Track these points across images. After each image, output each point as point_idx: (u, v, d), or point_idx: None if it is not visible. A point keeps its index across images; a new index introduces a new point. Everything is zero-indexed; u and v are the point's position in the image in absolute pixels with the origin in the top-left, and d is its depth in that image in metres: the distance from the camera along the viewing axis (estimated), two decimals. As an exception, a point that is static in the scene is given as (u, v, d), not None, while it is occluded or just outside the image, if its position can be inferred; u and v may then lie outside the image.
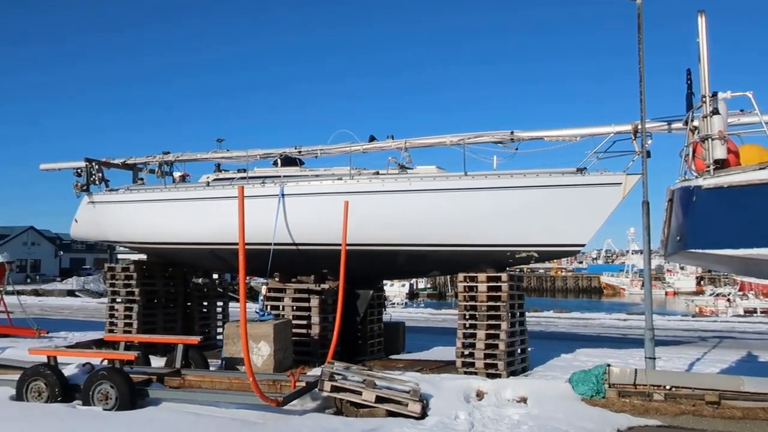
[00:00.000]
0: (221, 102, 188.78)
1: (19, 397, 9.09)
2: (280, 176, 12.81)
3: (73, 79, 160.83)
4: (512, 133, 11.38)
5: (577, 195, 10.46)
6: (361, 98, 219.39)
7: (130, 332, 13.63)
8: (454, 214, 11.10)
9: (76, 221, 15.17)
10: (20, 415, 8.32)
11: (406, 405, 8.35)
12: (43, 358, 9.59)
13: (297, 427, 7.88)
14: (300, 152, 13.22)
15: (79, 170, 14.64)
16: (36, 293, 44.38)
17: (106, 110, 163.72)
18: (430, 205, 11.29)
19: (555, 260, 68.13)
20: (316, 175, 12.91)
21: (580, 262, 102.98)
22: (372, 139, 12.78)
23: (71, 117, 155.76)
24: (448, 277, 53.25)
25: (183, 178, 14.72)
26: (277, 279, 12.73)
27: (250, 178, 13.14)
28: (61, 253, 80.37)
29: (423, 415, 8.33)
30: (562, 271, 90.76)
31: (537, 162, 12.08)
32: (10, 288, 19.82)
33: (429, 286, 69.86)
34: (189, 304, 15.47)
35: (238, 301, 16.41)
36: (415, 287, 66.31)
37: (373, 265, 12.61)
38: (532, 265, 69.55)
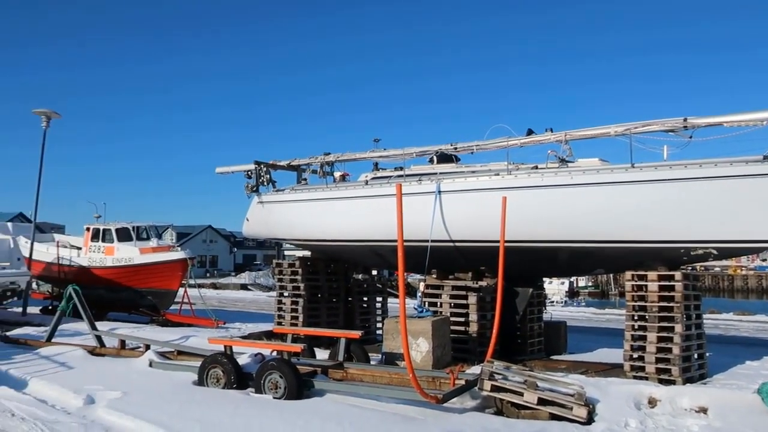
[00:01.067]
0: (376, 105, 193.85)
1: (201, 382, 9.85)
2: (436, 173, 12.82)
3: (250, 91, 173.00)
4: (685, 120, 10.47)
5: (763, 186, 9.41)
6: (517, 89, 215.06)
7: (296, 325, 14.34)
8: (620, 208, 10.44)
9: (247, 220, 16.23)
10: (202, 398, 9.01)
11: (571, 409, 7.98)
12: (221, 348, 10.33)
13: (457, 425, 7.81)
14: (456, 149, 13.13)
15: (249, 172, 15.66)
16: (214, 287, 48.30)
17: (276, 121, 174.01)
18: (594, 199, 10.71)
19: (734, 258, 62.35)
20: (473, 171, 12.75)
21: (764, 260, 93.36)
22: (530, 132, 12.39)
23: (245, 126, 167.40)
24: (611, 274, 50.74)
25: (343, 178, 15.22)
26: (434, 276, 12.77)
27: (407, 175, 13.28)
28: (235, 249, 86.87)
29: (589, 420, 7.92)
30: (741, 270, 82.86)
31: (711, 151, 11.08)
32: (192, 282, 21.67)
33: (590, 284, 66.94)
34: (350, 299, 15.99)
35: (396, 296, 16.68)
36: (575, 285, 63.82)
37: (533, 263, 12.23)
38: (706, 263, 64.18)
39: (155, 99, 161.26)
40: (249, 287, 48.75)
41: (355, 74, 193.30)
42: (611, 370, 10.82)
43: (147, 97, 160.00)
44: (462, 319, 12.16)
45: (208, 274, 68.55)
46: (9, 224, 24.21)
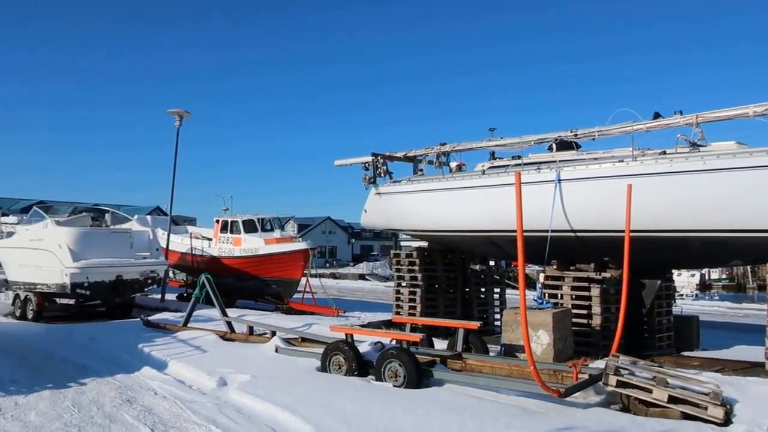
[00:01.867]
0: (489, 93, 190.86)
1: (323, 368, 10.18)
2: (555, 161, 12.46)
3: (374, 76, 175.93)
4: (837, 96, 9.52)
5: None
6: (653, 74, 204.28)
7: (414, 315, 14.48)
8: (761, 195, 9.67)
9: (365, 211, 16.55)
10: (324, 384, 9.31)
11: (705, 408, 7.51)
12: (342, 335, 10.62)
13: (581, 420, 7.58)
14: (576, 135, 12.69)
15: (366, 164, 15.96)
16: (333, 276, 49.69)
17: (396, 104, 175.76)
18: (730, 186, 9.98)
19: None
20: (595, 158, 12.28)
21: None
22: (656, 116, 11.73)
23: (361, 112, 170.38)
24: (749, 266, 47.16)
25: (459, 168, 15.15)
26: (554, 267, 12.43)
27: (525, 164, 13.01)
28: (353, 240, 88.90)
29: (726, 421, 7.41)
30: None
31: None
32: (313, 271, 22.43)
33: (724, 276, 62.49)
34: (467, 289, 15.93)
35: (513, 287, 16.40)
36: (707, 278, 59.86)
37: (661, 254, 11.60)
38: None
39: (268, 105, 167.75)
40: (367, 277, 49.74)
41: (472, 61, 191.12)
42: (750, 369, 10.09)
43: (260, 104, 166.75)
44: (584, 312, 11.77)
45: (327, 265, 70.60)
46: (148, 217, 26.10)
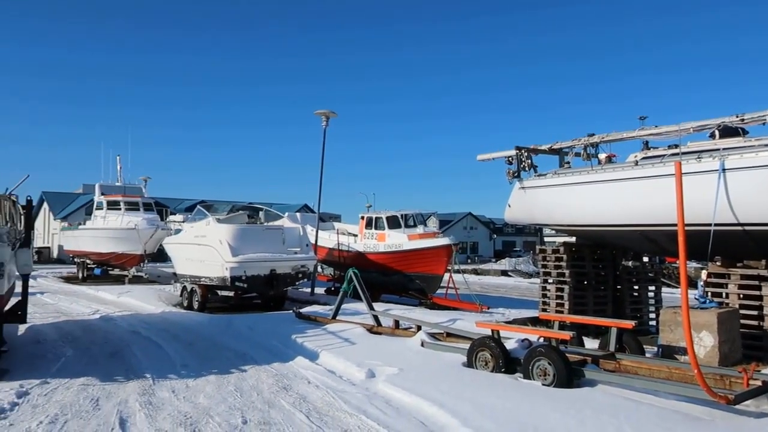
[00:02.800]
0: (640, 79, 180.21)
1: (469, 364, 10.13)
2: (718, 149, 11.51)
3: (517, 78, 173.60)
4: None
5: None
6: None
7: (561, 312, 14.03)
8: None
9: (509, 206, 16.26)
10: (471, 380, 9.27)
11: None
12: (488, 332, 10.51)
13: (753, 431, 6.97)
14: (743, 120, 11.63)
15: (510, 158, 15.66)
16: (475, 272, 49.31)
17: (535, 83, 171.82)
18: None
19: None
20: (765, 145, 11.20)
21: None
22: (841, 95, 10.48)
23: (504, 112, 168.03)
24: None
25: (609, 159, 14.44)
26: (718, 263, 11.51)
27: (683, 153, 12.13)
28: (495, 236, 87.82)
29: None
30: None
31: None
32: (456, 267, 22.40)
33: None
34: (618, 287, 15.18)
35: (669, 285, 15.31)
36: None
37: None
38: None
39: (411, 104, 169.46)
40: (509, 273, 48.82)
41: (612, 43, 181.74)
42: None
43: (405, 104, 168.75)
44: (754, 313, 10.81)
45: (468, 260, 70.29)
46: (298, 215, 27.40)
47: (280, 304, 19.92)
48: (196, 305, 19.67)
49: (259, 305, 20.06)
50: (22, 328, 14.38)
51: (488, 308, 18.93)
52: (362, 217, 24.46)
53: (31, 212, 11.70)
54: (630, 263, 15.19)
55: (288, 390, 9.15)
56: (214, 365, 10.88)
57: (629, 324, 10.24)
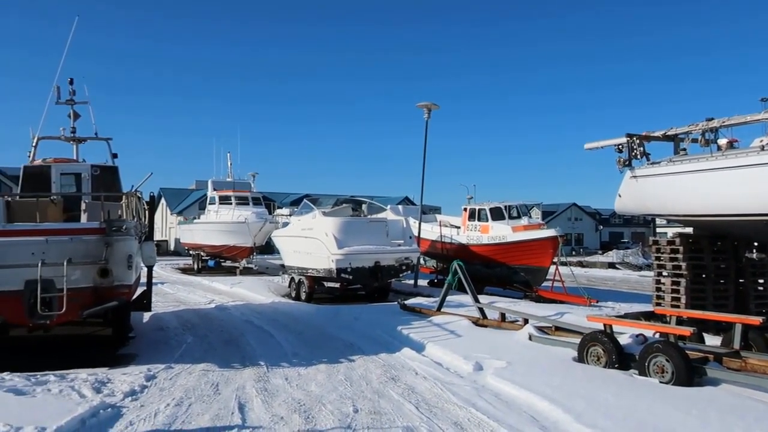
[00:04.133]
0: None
1: (580, 359, 9.85)
2: None
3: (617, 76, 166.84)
4: None
5: None
6: None
7: (677, 307, 13.33)
8: None
9: (619, 196, 15.60)
10: (582, 375, 9.02)
11: None
12: (599, 326, 10.18)
13: None
14: None
15: (620, 146, 15.00)
16: (580, 264, 47.82)
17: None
18: None
19: None
20: None
21: None
22: None
23: (605, 108, 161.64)
24: None
25: (731, 145, 13.54)
26: None
27: (819, 137, 11.19)
28: (601, 227, 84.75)
29: None
30: None
31: None
32: (563, 259, 21.84)
33: None
34: (741, 280, 14.24)
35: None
36: None
37: None
38: None
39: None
40: (617, 266, 46.97)
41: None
42: None
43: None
44: None
45: (573, 252, 68.26)
46: (400, 207, 27.59)
47: (384, 296, 20.16)
48: (303, 296, 20.27)
49: (363, 296, 20.40)
50: (146, 316, 15.37)
51: (597, 302, 18.33)
52: (465, 209, 24.31)
53: (154, 207, 12.44)
54: (755, 255, 14.19)
55: (396, 380, 9.26)
56: (324, 354, 11.17)
57: (757, 320, 9.60)
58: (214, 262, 34.66)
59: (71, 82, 15.26)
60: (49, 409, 7.28)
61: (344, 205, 22.94)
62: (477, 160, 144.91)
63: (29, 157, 14.80)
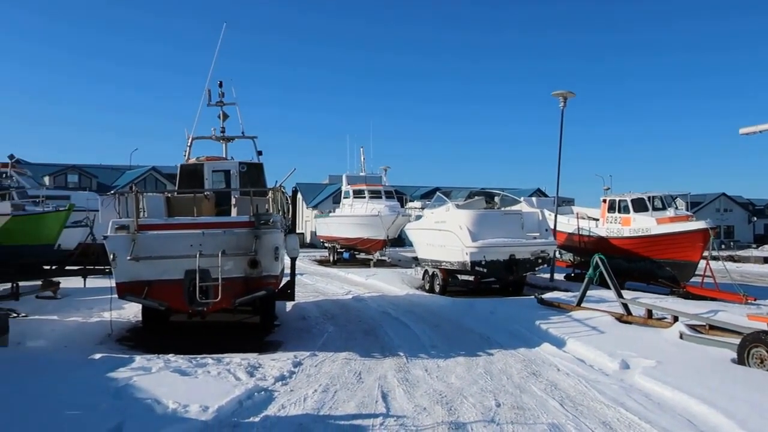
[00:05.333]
0: None
1: (740, 361, 9.15)
2: None
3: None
4: None
5: None
6: None
7: None
8: None
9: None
10: (743, 378, 8.40)
11: None
12: (762, 326, 9.40)
13: None
14: None
15: (784, 129, 13.73)
16: (731, 259, 44.33)
17: None
18: None
19: None
20: None
21: None
22: None
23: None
24: None
25: None
26: None
27: None
28: (754, 219, 78.08)
29: None
30: None
31: None
32: (714, 253, 20.37)
33: None
34: None
35: None
36: None
37: None
38: None
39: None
40: (775, 260, 43.02)
41: None
42: None
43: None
44: None
45: (723, 246, 63.43)
46: (534, 199, 26.93)
47: (519, 290, 19.79)
48: (437, 288, 20.34)
49: (497, 290, 20.14)
50: (289, 305, 16.10)
51: (755, 299, 16.92)
52: (604, 201, 23.30)
53: (296, 202, 13.03)
54: None
55: (538, 376, 9.07)
56: (461, 347, 11.17)
57: None
58: (349, 254, 35.66)
59: (220, 85, 16.24)
60: (210, 389, 7.84)
61: (477, 197, 22.75)
62: (613, 148, 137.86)
63: (185, 155, 15.95)
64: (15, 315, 11.02)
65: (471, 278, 19.93)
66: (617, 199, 22.45)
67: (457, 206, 20.52)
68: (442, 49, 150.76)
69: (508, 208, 21.31)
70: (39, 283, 17.33)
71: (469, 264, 18.52)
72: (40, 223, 18.68)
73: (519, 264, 18.69)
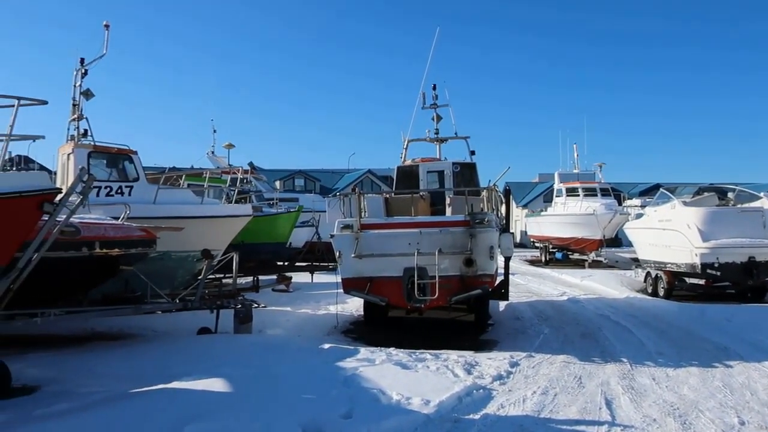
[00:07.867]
0: None
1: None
2: None
3: None
4: None
5: None
6: None
7: None
8: None
9: None
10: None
11: None
12: None
13: None
14: None
15: None
16: None
17: None
18: None
19: None
20: None
21: None
22: None
23: None
24: None
25: None
26: None
27: None
28: None
29: None
30: None
31: None
32: None
33: None
34: None
35: None
36: None
37: None
38: None
39: None
40: None
41: None
42: None
43: None
44: None
45: None
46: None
47: (760, 296, 17.66)
48: (661, 292, 18.93)
49: (732, 296, 18.17)
50: (502, 305, 16.04)
51: None
52: None
53: (509, 200, 12.94)
54: None
55: (795, 395, 8.03)
56: (692, 356, 10.27)
57: None
58: (562, 254, 34.54)
59: (434, 88, 16.68)
60: (429, 383, 8.07)
61: (707, 193, 20.72)
62: None
63: (401, 157, 16.64)
64: (257, 305, 12.32)
65: (701, 282, 18.23)
66: None
67: (685, 203, 18.87)
68: (666, 42, 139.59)
69: (745, 205, 19.13)
70: (274, 277, 19.23)
71: (699, 266, 16.95)
72: (275, 223, 20.72)
73: (760, 267, 16.68)
